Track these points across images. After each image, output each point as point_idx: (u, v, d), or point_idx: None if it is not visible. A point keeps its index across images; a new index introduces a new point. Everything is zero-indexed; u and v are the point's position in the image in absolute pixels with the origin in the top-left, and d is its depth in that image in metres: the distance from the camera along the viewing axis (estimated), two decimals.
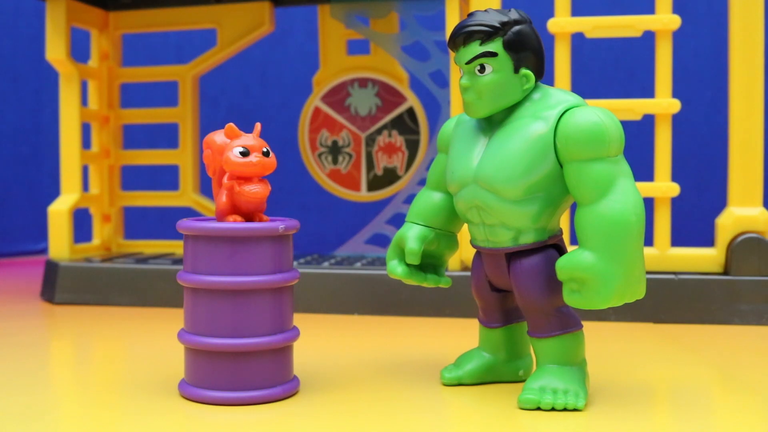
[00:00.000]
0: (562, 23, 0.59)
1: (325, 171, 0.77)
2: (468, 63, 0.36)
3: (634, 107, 0.59)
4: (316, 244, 0.92)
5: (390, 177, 0.76)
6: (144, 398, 0.38)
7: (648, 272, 0.36)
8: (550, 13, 0.59)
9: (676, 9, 0.59)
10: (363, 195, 0.77)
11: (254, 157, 0.37)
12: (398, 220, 0.72)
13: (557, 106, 0.36)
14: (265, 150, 0.37)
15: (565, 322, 0.37)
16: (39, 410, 0.36)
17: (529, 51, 0.36)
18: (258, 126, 0.39)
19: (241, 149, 0.37)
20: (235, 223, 0.36)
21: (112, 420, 0.35)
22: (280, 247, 0.37)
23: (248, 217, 0.38)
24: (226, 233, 0.36)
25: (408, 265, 0.40)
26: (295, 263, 0.67)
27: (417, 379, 0.41)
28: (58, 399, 0.39)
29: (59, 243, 0.69)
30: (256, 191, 0.37)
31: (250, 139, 0.37)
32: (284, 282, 0.37)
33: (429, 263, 0.41)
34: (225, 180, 0.37)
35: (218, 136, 0.38)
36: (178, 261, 0.68)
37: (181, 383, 0.38)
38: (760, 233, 0.58)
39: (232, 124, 0.38)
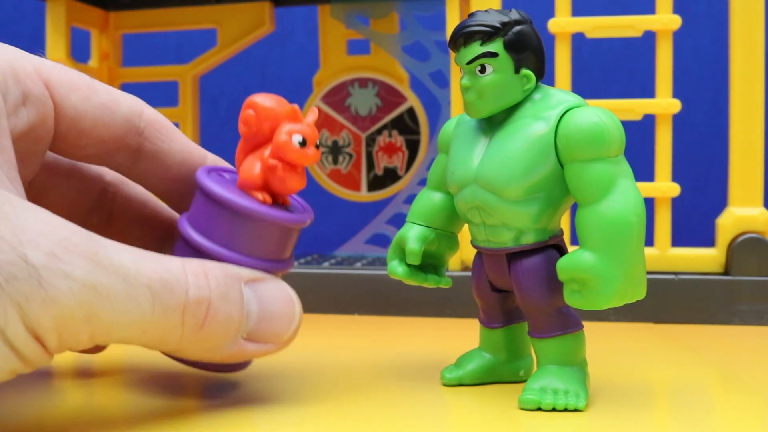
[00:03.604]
0: (563, 23, 0.59)
1: (325, 171, 0.77)
2: (469, 63, 0.36)
3: (635, 107, 0.59)
4: (316, 244, 0.92)
5: (390, 177, 0.76)
6: (143, 397, 0.38)
7: (648, 272, 0.36)
8: (551, 13, 0.59)
9: (676, 9, 0.59)
10: (363, 195, 0.77)
11: (311, 150, 0.35)
12: (398, 220, 0.72)
13: (558, 107, 0.36)
14: (317, 143, 0.36)
15: (566, 322, 0.37)
16: (40, 410, 0.36)
17: (529, 51, 0.36)
18: (316, 112, 0.37)
19: (301, 139, 0.35)
20: (282, 213, 0.36)
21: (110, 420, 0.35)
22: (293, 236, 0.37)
23: (274, 197, 0.37)
24: (274, 220, 0.35)
25: (408, 265, 0.40)
26: (295, 263, 0.67)
27: (417, 380, 0.41)
28: (59, 400, 0.39)
29: None
30: (299, 183, 0.36)
31: (310, 129, 0.36)
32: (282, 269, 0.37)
33: (429, 263, 0.41)
34: (268, 156, 0.36)
35: (269, 102, 0.36)
36: None
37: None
38: (761, 233, 0.58)
39: (297, 107, 0.36)
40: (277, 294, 0.35)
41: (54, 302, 0.28)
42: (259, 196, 0.36)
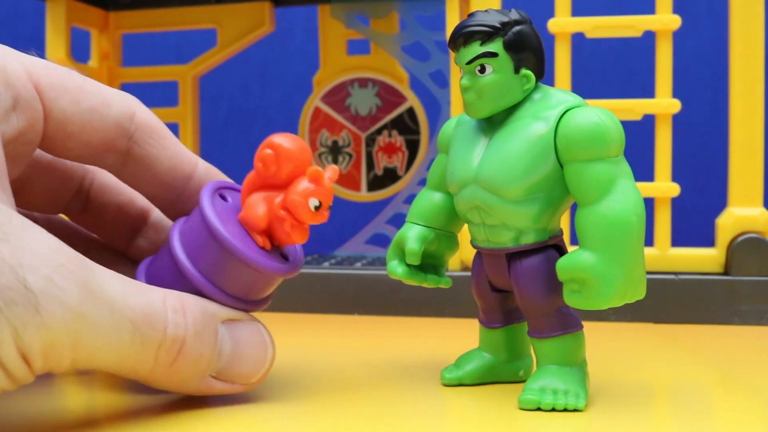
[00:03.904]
0: (562, 23, 0.59)
1: None
2: (468, 63, 0.36)
3: (634, 107, 0.59)
4: (316, 244, 0.92)
5: (390, 177, 0.76)
6: (143, 397, 0.38)
7: (648, 272, 0.36)
8: (550, 13, 0.59)
9: (676, 9, 0.59)
10: (363, 195, 0.77)
11: (324, 213, 0.35)
12: (398, 220, 0.72)
13: (558, 107, 0.36)
14: (330, 205, 0.35)
15: (566, 322, 0.37)
16: (39, 409, 0.36)
17: (529, 51, 0.36)
18: (336, 171, 0.36)
19: (318, 204, 0.35)
20: (275, 262, 0.36)
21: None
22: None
23: (271, 240, 0.36)
24: (266, 270, 0.35)
25: (408, 265, 0.40)
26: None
27: (417, 379, 0.41)
28: (59, 400, 0.39)
29: None
30: (301, 239, 0.36)
31: (328, 193, 0.35)
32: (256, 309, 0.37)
33: (429, 263, 0.41)
34: (279, 207, 0.35)
35: (291, 146, 0.35)
36: None
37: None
38: (761, 233, 0.58)
39: (320, 170, 0.35)
40: (251, 337, 0.36)
41: (47, 328, 0.29)
42: (259, 239, 0.36)
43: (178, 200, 0.39)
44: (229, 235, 0.35)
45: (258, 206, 0.36)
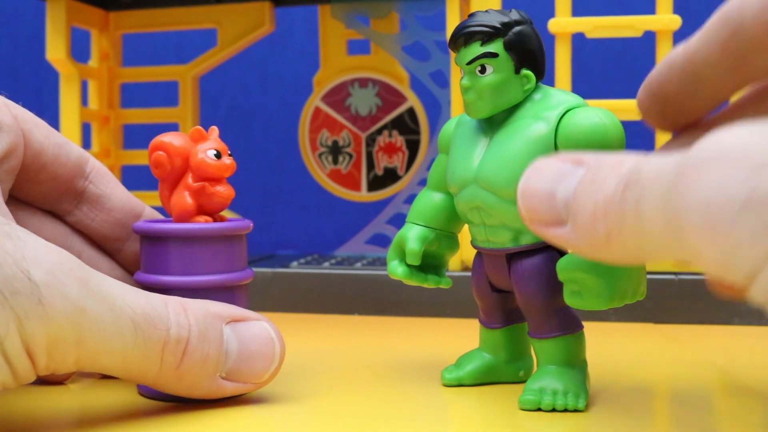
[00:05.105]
0: (563, 23, 0.59)
1: (325, 171, 0.77)
2: (469, 63, 0.36)
3: (635, 108, 0.59)
4: (316, 244, 0.92)
5: (390, 177, 0.76)
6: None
7: (648, 272, 0.36)
8: (551, 13, 0.59)
9: (677, 9, 0.59)
10: (363, 195, 0.77)
11: (227, 160, 0.38)
12: (398, 221, 0.72)
13: (558, 107, 0.36)
14: (229, 152, 0.39)
15: (566, 322, 0.37)
16: (39, 409, 0.36)
17: (529, 51, 0.36)
18: (215, 129, 0.39)
19: (215, 152, 0.38)
20: (226, 224, 0.38)
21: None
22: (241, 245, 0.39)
23: (213, 218, 0.39)
24: (220, 231, 0.37)
25: (408, 265, 0.40)
26: (295, 263, 0.67)
27: (417, 380, 0.41)
28: (57, 399, 0.39)
29: None
30: (229, 192, 0.38)
31: (219, 142, 0.38)
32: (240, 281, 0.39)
33: (430, 264, 0.41)
34: (190, 181, 0.38)
35: (175, 140, 0.38)
36: None
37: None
38: None
39: (200, 127, 0.38)
40: (257, 334, 0.36)
41: (50, 321, 0.29)
42: (200, 219, 0.38)
43: (128, 239, 0.42)
44: (176, 226, 0.37)
45: (181, 198, 0.38)
